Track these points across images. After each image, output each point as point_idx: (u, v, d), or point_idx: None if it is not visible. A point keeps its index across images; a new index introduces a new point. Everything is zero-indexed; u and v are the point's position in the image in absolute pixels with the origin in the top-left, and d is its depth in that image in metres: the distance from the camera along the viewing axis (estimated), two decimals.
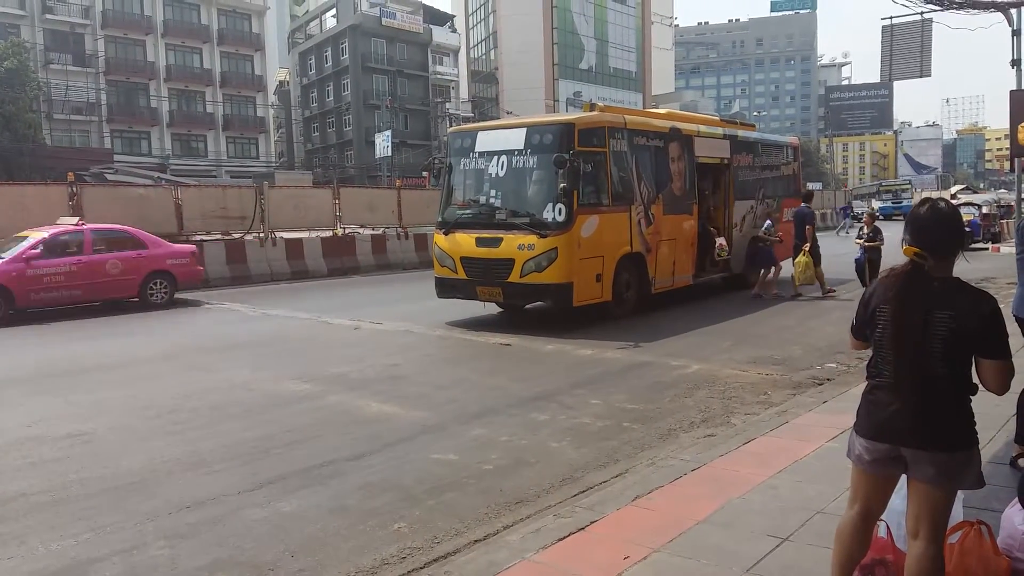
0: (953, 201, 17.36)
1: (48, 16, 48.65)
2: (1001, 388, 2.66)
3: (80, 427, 6.48)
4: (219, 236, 18.99)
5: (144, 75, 53.04)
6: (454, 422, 6.50)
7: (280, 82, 75.25)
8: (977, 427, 2.71)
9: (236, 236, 19.01)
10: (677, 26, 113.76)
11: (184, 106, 55.63)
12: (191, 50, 55.59)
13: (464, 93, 74.33)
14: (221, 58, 56.97)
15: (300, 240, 19.99)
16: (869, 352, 2.89)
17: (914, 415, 2.65)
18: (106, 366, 9.10)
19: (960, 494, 3.24)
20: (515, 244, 10.72)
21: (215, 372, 8.68)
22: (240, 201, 19.55)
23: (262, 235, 19.24)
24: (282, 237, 19.68)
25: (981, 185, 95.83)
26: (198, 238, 18.49)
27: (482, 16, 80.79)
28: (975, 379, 2.70)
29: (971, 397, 2.69)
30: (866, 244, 13.54)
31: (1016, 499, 3.23)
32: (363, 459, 5.59)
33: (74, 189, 16.43)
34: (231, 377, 8.38)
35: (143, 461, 5.60)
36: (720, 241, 14.03)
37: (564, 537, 3.97)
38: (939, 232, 2.71)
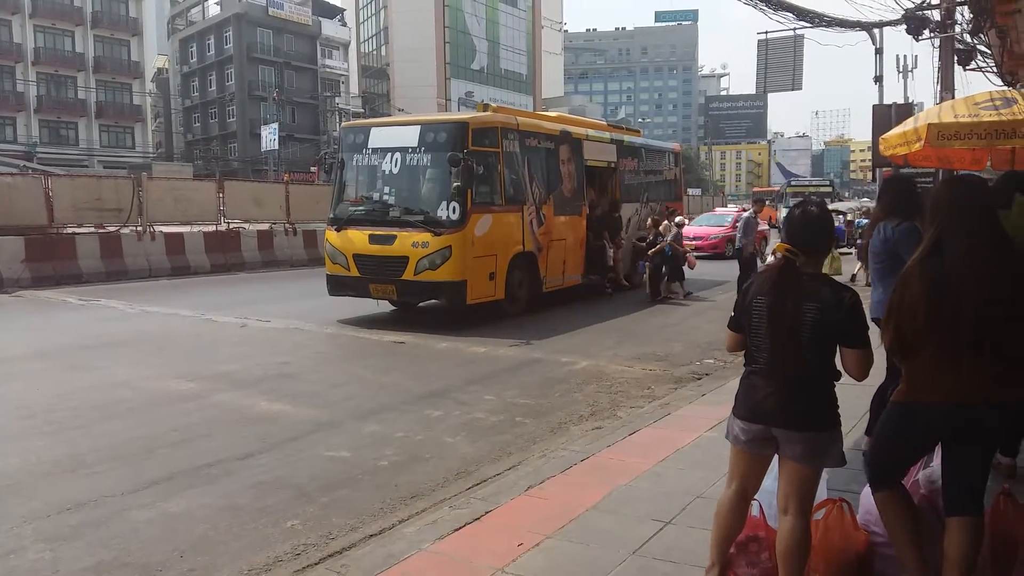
0: None
1: None
2: (860, 375, 2.96)
3: None
4: (93, 229, 18.02)
5: (10, 57, 49.81)
6: (347, 419, 6.48)
7: (159, 69, 71.94)
8: (840, 411, 2.99)
9: (112, 229, 18.09)
10: (566, 31, 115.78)
11: (53, 91, 52.57)
12: (62, 32, 52.60)
13: (354, 88, 73.31)
14: (95, 42, 54.15)
15: (181, 234, 19.20)
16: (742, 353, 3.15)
17: (785, 398, 2.91)
18: None
19: (825, 476, 3.55)
20: (409, 242, 10.74)
21: (94, 371, 8.30)
22: (116, 192, 18.59)
23: (140, 228, 18.40)
24: (161, 231, 18.87)
25: (846, 194, 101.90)
26: (71, 230, 17.52)
27: (373, 11, 79.97)
28: (839, 366, 2.98)
29: (835, 383, 2.97)
30: (651, 251, 14.15)
31: None
32: (253, 458, 5.51)
33: None
34: (111, 376, 8.04)
35: (17, 463, 5.33)
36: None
37: (460, 527, 4.07)
38: (809, 232, 3.02)
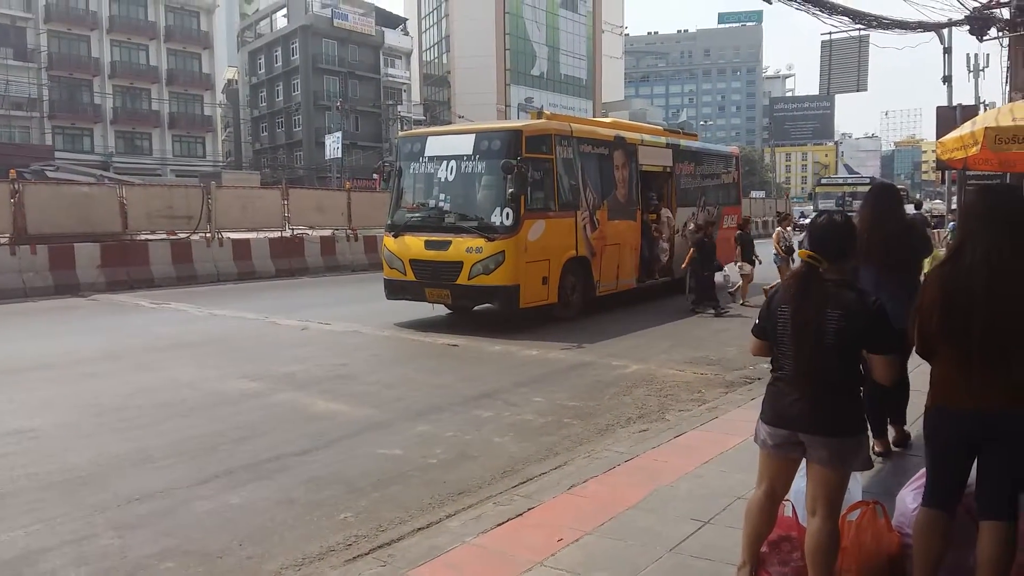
0: None
1: None
2: (887, 379, 2.99)
3: (25, 424, 6.49)
4: (164, 236, 18.77)
5: (88, 71, 51.98)
6: (400, 419, 6.67)
7: (228, 81, 74.30)
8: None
9: (182, 236, 18.82)
10: (627, 35, 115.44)
11: (129, 103, 54.63)
12: (137, 47, 54.63)
13: (416, 96, 74.34)
14: (168, 55, 56.08)
15: (248, 240, 19.84)
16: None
17: (810, 404, 2.96)
18: (50, 365, 9.03)
19: (860, 479, 3.57)
20: (463, 247, 10.93)
21: (161, 371, 8.69)
22: (187, 200, 19.35)
23: (209, 235, 19.08)
24: (229, 237, 19.53)
25: (918, 195, 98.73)
26: (143, 237, 18.28)
27: (435, 20, 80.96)
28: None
29: (861, 388, 3.01)
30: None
31: (910, 481, 3.55)
32: (310, 454, 5.74)
33: (16, 187, 16.12)
34: (178, 376, 8.41)
35: (90, 457, 5.66)
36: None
37: (502, 523, 4.21)
38: (831, 240, 3.07)
